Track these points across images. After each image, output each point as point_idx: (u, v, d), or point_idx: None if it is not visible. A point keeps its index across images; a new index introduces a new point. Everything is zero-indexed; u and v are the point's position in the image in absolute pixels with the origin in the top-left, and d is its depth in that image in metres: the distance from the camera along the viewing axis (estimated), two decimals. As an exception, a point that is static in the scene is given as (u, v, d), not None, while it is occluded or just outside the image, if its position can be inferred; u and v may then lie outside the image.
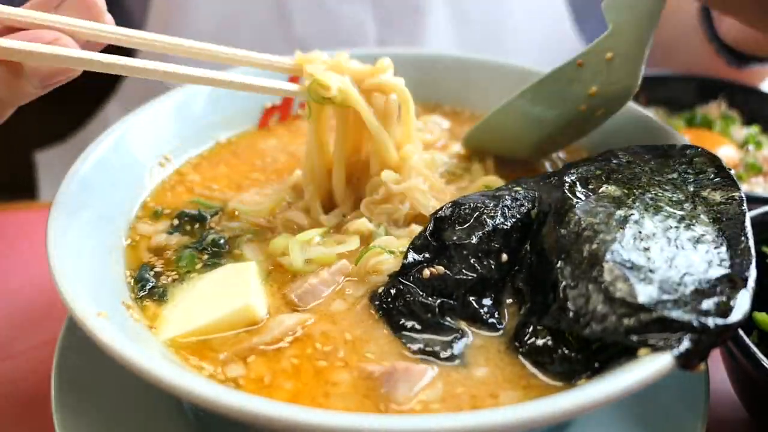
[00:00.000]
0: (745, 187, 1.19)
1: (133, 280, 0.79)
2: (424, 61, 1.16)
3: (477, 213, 0.78)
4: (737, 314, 0.63)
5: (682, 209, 0.75)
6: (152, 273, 0.80)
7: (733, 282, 0.66)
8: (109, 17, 0.77)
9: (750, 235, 0.72)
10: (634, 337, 0.62)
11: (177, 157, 0.99)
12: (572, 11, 1.72)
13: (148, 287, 0.78)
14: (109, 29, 0.76)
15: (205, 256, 0.83)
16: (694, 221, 0.74)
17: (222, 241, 0.85)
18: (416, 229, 0.83)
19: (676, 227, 0.72)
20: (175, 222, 0.89)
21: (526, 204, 0.80)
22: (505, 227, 0.77)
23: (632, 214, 0.72)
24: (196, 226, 0.89)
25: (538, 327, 0.70)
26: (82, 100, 1.71)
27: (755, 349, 0.74)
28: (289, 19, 1.50)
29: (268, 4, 1.50)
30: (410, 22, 1.58)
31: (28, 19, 0.72)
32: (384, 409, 0.65)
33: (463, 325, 0.73)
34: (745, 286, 0.66)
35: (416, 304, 0.73)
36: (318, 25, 1.52)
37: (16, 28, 0.72)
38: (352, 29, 1.53)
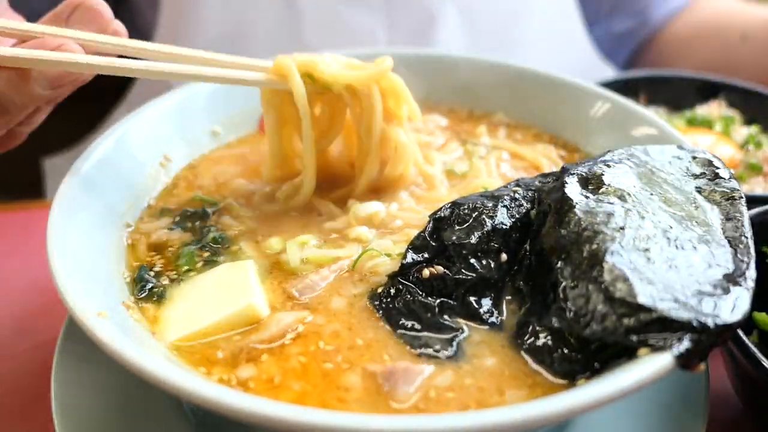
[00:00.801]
0: (745, 187, 1.19)
1: (132, 281, 0.79)
2: (425, 61, 1.16)
3: (476, 213, 0.78)
4: (737, 314, 0.63)
5: (682, 210, 0.75)
6: (152, 273, 0.80)
7: (733, 282, 0.66)
8: (119, 24, 0.80)
9: (750, 235, 0.72)
10: (634, 337, 0.62)
11: (177, 156, 0.99)
12: (584, 19, 1.73)
13: (147, 288, 0.78)
14: (115, 41, 0.79)
15: (206, 254, 0.83)
16: (694, 221, 0.74)
17: (222, 239, 0.85)
18: (411, 232, 0.83)
19: (677, 227, 0.72)
20: (177, 218, 0.89)
21: (525, 204, 0.80)
22: (505, 227, 0.77)
23: (632, 215, 0.72)
24: (197, 222, 0.89)
25: (538, 327, 0.70)
26: (89, 107, 1.71)
27: (755, 349, 0.74)
28: (300, 26, 1.50)
29: (278, 11, 1.50)
30: (421, 32, 1.58)
31: (41, 32, 0.75)
32: (385, 409, 0.65)
33: (462, 324, 0.73)
34: (745, 286, 0.66)
35: (416, 303, 0.73)
36: (329, 32, 1.52)
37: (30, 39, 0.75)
38: (363, 37, 1.53)
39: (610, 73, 1.76)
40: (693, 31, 1.69)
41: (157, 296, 0.77)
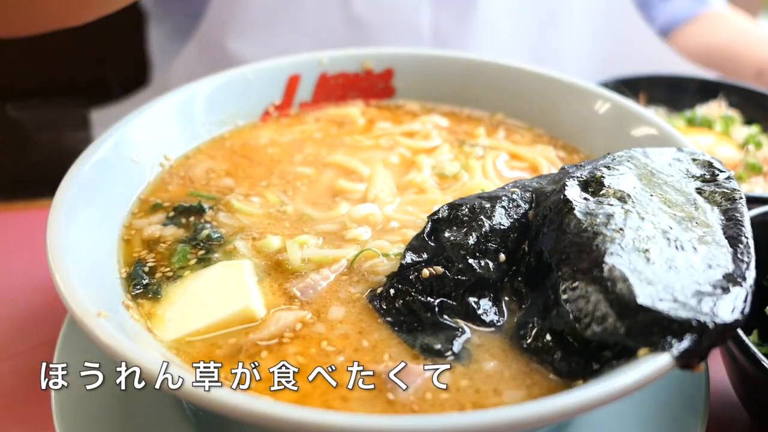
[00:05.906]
0: (745, 187, 1.19)
1: (127, 276, 0.79)
2: (425, 61, 1.16)
3: (474, 213, 0.78)
4: (737, 314, 0.63)
5: (682, 210, 0.75)
6: (146, 269, 0.80)
7: (733, 282, 0.66)
8: None
9: (750, 235, 0.72)
10: (634, 338, 0.62)
11: (177, 156, 0.99)
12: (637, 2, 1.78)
13: (143, 284, 0.78)
14: None
15: (200, 252, 0.83)
16: (694, 222, 0.74)
17: (216, 236, 0.85)
18: (408, 233, 0.83)
19: (676, 228, 0.72)
20: (171, 214, 0.89)
21: (523, 205, 0.80)
22: (503, 227, 0.77)
23: (632, 216, 0.72)
24: (192, 218, 0.88)
25: (538, 327, 0.70)
26: (138, 61, 1.76)
27: (755, 349, 0.75)
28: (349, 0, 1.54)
29: None
30: (464, 6, 1.66)
31: None
32: (385, 408, 0.65)
33: (462, 324, 0.73)
34: (744, 286, 0.66)
35: (416, 303, 0.73)
36: (376, 7, 1.59)
37: None
38: (409, 11, 1.63)
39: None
40: (705, 52, 1.71)
41: (152, 293, 0.77)
